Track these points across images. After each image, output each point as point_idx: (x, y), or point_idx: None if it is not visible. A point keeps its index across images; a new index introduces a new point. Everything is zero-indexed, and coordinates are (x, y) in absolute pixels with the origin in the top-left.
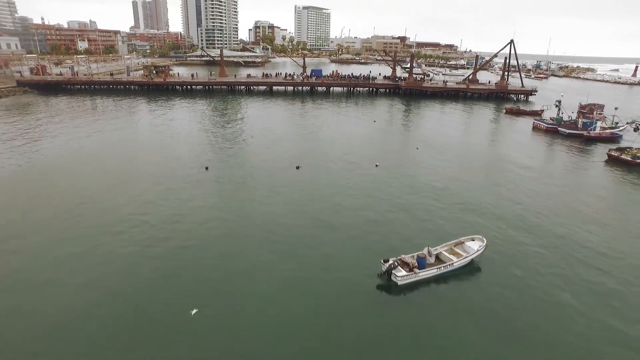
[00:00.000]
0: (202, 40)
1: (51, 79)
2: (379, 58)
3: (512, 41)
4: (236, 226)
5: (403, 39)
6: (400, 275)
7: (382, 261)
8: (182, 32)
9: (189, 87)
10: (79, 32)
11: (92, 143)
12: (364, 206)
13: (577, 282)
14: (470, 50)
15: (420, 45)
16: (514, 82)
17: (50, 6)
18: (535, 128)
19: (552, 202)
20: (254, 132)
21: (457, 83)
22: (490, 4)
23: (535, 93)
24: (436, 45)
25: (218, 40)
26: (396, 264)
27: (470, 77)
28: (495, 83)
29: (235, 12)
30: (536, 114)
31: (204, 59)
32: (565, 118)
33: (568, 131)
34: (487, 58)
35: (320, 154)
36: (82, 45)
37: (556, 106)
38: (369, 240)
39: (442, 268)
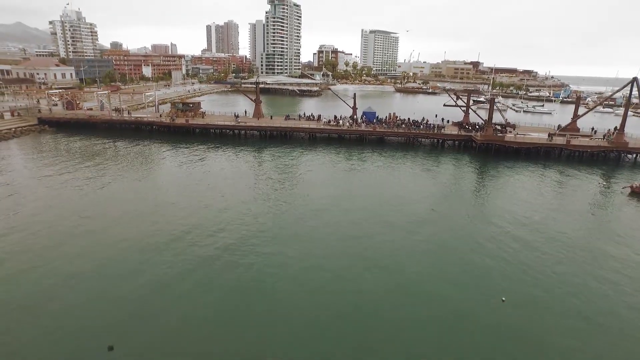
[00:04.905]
0: (262, 65)
1: (70, 117)
2: (448, 100)
3: (635, 79)
4: None
5: (476, 64)
6: None
7: None
8: (248, 56)
9: (216, 130)
10: (144, 57)
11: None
12: None
13: None
14: (552, 77)
15: (495, 71)
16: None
17: (142, 30)
18: None
19: None
20: (243, 240)
21: (550, 134)
22: (574, 24)
23: None
24: (513, 71)
25: (278, 65)
26: None
27: (569, 125)
28: (607, 135)
29: (298, 36)
30: None
31: (260, 86)
32: None
33: None
34: (573, 86)
35: (323, 318)
36: (147, 71)
37: None
38: None
39: None
